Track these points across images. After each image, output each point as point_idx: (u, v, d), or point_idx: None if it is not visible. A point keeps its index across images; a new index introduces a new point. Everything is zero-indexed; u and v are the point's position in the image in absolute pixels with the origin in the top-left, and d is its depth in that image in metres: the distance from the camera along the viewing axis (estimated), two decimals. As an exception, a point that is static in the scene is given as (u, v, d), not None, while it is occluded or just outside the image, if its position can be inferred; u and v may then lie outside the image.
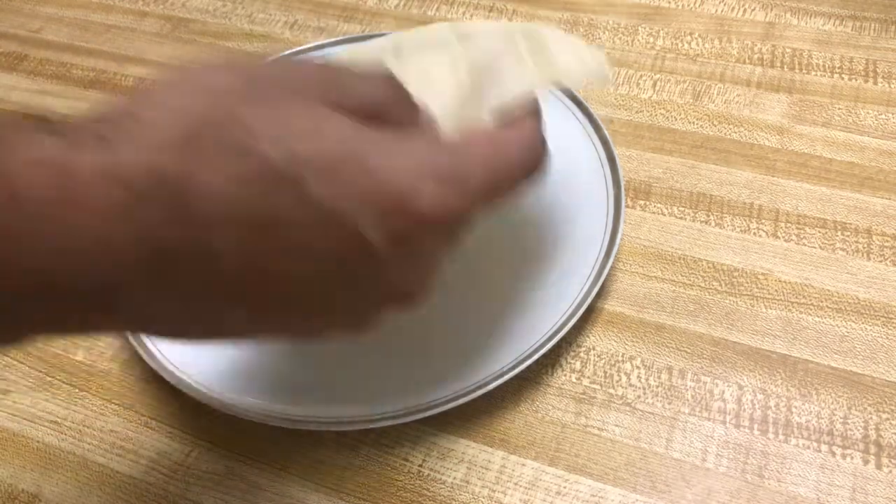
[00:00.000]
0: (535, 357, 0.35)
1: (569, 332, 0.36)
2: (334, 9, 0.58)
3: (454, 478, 0.34)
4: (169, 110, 0.22)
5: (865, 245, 0.40)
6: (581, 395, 0.36)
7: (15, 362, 0.39)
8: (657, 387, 0.36)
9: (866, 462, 0.33)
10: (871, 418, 0.34)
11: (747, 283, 0.39)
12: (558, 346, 0.36)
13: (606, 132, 0.43)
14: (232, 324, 0.23)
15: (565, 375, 0.36)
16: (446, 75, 0.30)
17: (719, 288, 0.39)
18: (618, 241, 0.38)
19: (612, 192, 0.40)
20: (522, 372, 0.35)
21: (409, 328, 0.36)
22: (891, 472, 0.33)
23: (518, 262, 0.39)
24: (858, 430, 0.34)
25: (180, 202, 0.20)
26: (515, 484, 0.33)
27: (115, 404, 0.37)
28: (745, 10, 0.54)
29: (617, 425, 0.35)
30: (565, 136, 0.44)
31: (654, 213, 0.42)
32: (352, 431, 0.35)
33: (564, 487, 0.33)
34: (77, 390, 0.38)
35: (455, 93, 0.29)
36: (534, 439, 0.35)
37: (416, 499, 0.33)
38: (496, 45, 0.32)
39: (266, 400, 0.34)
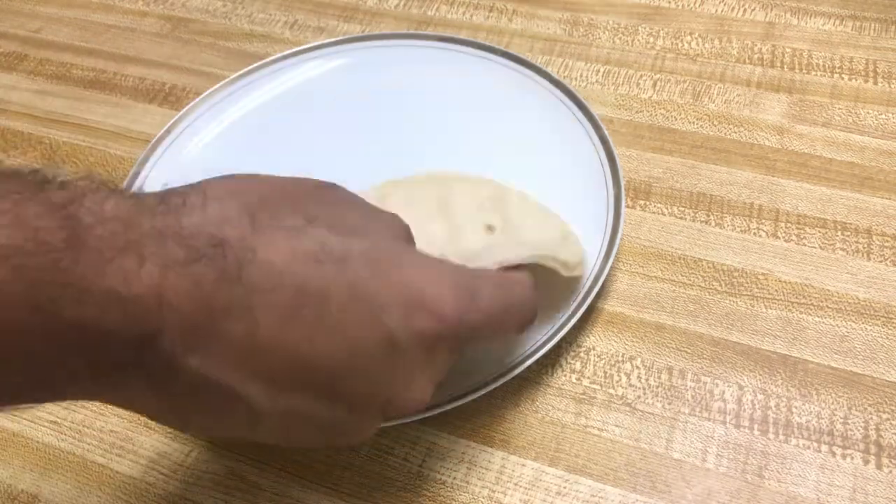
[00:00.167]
0: (535, 357, 0.35)
1: (569, 332, 0.36)
2: (334, 9, 0.58)
3: (454, 478, 0.34)
4: (227, 191, 0.24)
5: (865, 245, 0.40)
6: (581, 396, 0.36)
7: (15, 362, 0.39)
8: (657, 387, 0.36)
9: (866, 462, 0.33)
10: (871, 418, 0.34)
11: (747, 283, 0.39)
12: (558, 346, 0.36)
13: (606, 132, 0.43)
14: (240, 410, 0.24)
15: (565, 375, 0.36)
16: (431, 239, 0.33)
17: (719, 288, 0.39)
18: (618, 241, 0.38)
19: (612, 192, 0.40)
20: (522, 372, 0.35)
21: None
22: (891, 472, 0.33)
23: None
24: (858, 430, 0.34)
25: (236, 265, 0.22)
26: (515, 484, 0.33)
27: (115, 404, 0.37)
28: (745, 10, 0.54)
29: (617, 425, 0.35)
30: (565, 136, 0.44)
31: (654, 213, 0.42)
32: (352, 431, 0.35)
33: (564, 488, 0.33)
34: (77, 390, 0.38)
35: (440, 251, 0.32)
36: (534, 439, 0.35)
37: (415, 499, 0.33)
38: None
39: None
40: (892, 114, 0.46)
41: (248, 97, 0.49)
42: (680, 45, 0.52)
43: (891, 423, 0.34)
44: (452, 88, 0.48)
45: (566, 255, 0.36)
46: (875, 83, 0.48)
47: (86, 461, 0.36)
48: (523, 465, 0.34)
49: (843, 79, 0.48)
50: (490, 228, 0.36)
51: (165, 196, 0.23)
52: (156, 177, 0.44)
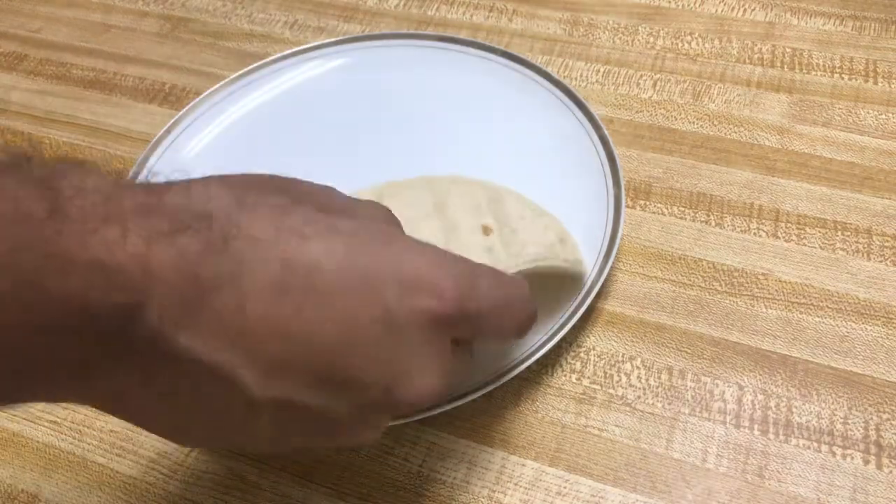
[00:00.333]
0: (536, 357, 0.35)
1: (569, 332, 0.36)
2: (334, 9, 0.58)
3: (454, 478, 0.34)
4: (211, 178, 0.24)
5: (865, 245, 0.40)
6: (581, 396, 0.36)
7: (15, 362, 0.39)
8: (657, 387, 0.36)
9: (867, 462, 0.33)
10: (871, 418, 0.34)
11: (747, 283, 0.39)
12: (558, 346, 0.36)
13: (606, 132, 0.43)
14: (233, 402, 0.23)
15: (565, 375, 0.36)
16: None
17: (719, 288, 0.39)
18: (618, 241, 0.38)
19: (612, 192, 0.40)
20: (522, 372, 0.35)
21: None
22: (891, 472, 0.33)
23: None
24: (859, 430, 0.34)
25: (222, 238, 0.21)
26: (515, 484, 0.33)
27: (115, 404, 0.37)
28: (745, 10, 0.54)
29: (617, 425, 0.35)
30: (565, 136, 0.44)
31: (654, 213, 0.42)
32: (352, 431, 0.35)
33: (565, 488, 0.33)
34: (77, 390, 0.38)
35: None
36: (534, 439, 0.35)
37: (415, 499, 0.33)
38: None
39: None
40: (892, 114, 0.46)
41: (248, 97, 0.49)
42: (680, 45, 0.52)
43: (891, 423, 0.34)
44: (452, 88, 0.48)
45: (567, 254, 0.36)
46: (875, 83, 0.48)
47: (86, 461, 0.36)
48: (523, 465, 0.34)
49: (843, 79, 0.48)
50: (487, 229, 0.36)
51: (148, 181, 0.23)
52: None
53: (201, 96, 0.49)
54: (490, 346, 0.34)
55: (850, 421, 0.34)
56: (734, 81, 0.49)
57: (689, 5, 0.55)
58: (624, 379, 0.36)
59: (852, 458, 0.33)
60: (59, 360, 0.20)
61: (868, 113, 0.46)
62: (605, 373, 0.36)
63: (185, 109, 0.48)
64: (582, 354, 0.37)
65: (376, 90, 0.49)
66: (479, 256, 0.33)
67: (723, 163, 0.44)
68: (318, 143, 0.46)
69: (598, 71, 0.51)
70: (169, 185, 0.22)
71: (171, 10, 0.60)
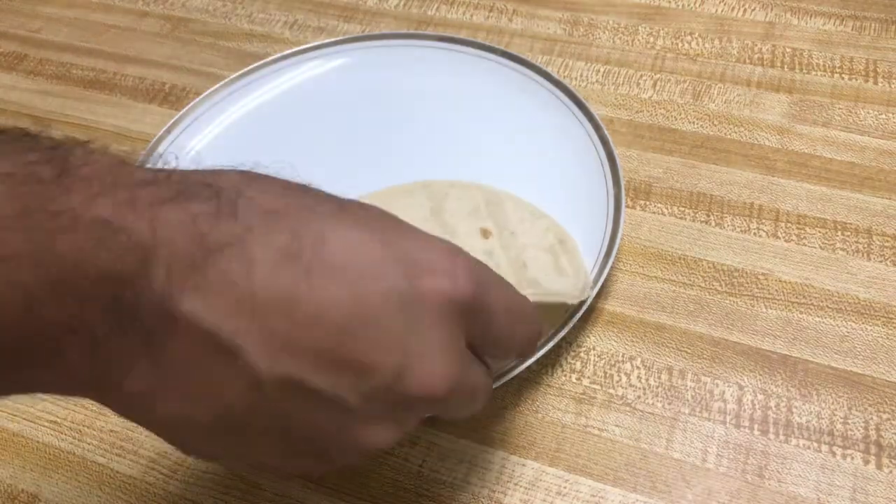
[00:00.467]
0: (536, 357, 0.35)
1: (569, 332, 0.36)
2: (334, 9, 0.58)
3: (454, 478, 0.34)
4: (224, 170, 0.24)
5: (865, 245, 0.40)
6: (581, 396, 0.36)
7: (15, 362, 0.39)
8: (657, 387, 0.36)
9: (867, 462, 0.33)
10: (871, 418, 0.34)
11: (747, 283, 0.39)
12: (558, 346, 0.36)
13: (606, 132, 0.43)
14: (238, 380, 0.22)
15: (565, 375, 0.36)
16: None
17: (719, 288, 0.39)
18: (618, 241, 0.38)
19: (612, 192, 0.40)
20: (522, 372, 0.35)
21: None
22: (891, 472, 0.33)
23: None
24: (859, 430, 0.34)
25: (230, 205, 0.21)
26: (516, 484, 0.33)
27: (115, 404, 0.37)
28: (745, 10, 0.54)
29: (617, 425, 0.35)
30: (565, 136, 0.44)
31: (654, 213, 0.42)
32: (352, 431, 0.35)
33: (565, 488, 0.33)
34: (77, 390, 0.38)
35: None
36: (534, 439, 0.35)
37: (415, 499, 0.33)
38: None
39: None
40: (892, 114, 0.46)
41: (248, 97, 0.49)
42: (680, 45, 0.52)
43: (891, 423, 0.34)
44: (452, 88, 0.48)
45: (567, 288, 0.35)
46: (875, 83, 0.48)
47: (86, 461, 0.36)
48: (523, 465, 0.34)
49: (843, 79, 0.48)
50: (486, 233, 0.36)
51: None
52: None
53: (201, 96, 0.49)
54: (494, 363, 0.32)
55: (850, 421, 0.34)
56: (734, 81, 0.49)
57: (689, 5, 0.55)
58: (624, 379, 0.36)
59: (852, 458, 0.33)
60: (68, 327, 0.20)
61: (868, 113, 0.46)
62: (605, 373, 0.36)
63: (185, 109, 0.48)
64: (582, 354, 0.37)
65: (376, 90, 0.49)
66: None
67: (723, 163, 0.44)
68: (319, 142, 0.46)
69: (598, 71, 0.51)
70: (175, 168, 0.23)
71: (171, 10, 0.60)
